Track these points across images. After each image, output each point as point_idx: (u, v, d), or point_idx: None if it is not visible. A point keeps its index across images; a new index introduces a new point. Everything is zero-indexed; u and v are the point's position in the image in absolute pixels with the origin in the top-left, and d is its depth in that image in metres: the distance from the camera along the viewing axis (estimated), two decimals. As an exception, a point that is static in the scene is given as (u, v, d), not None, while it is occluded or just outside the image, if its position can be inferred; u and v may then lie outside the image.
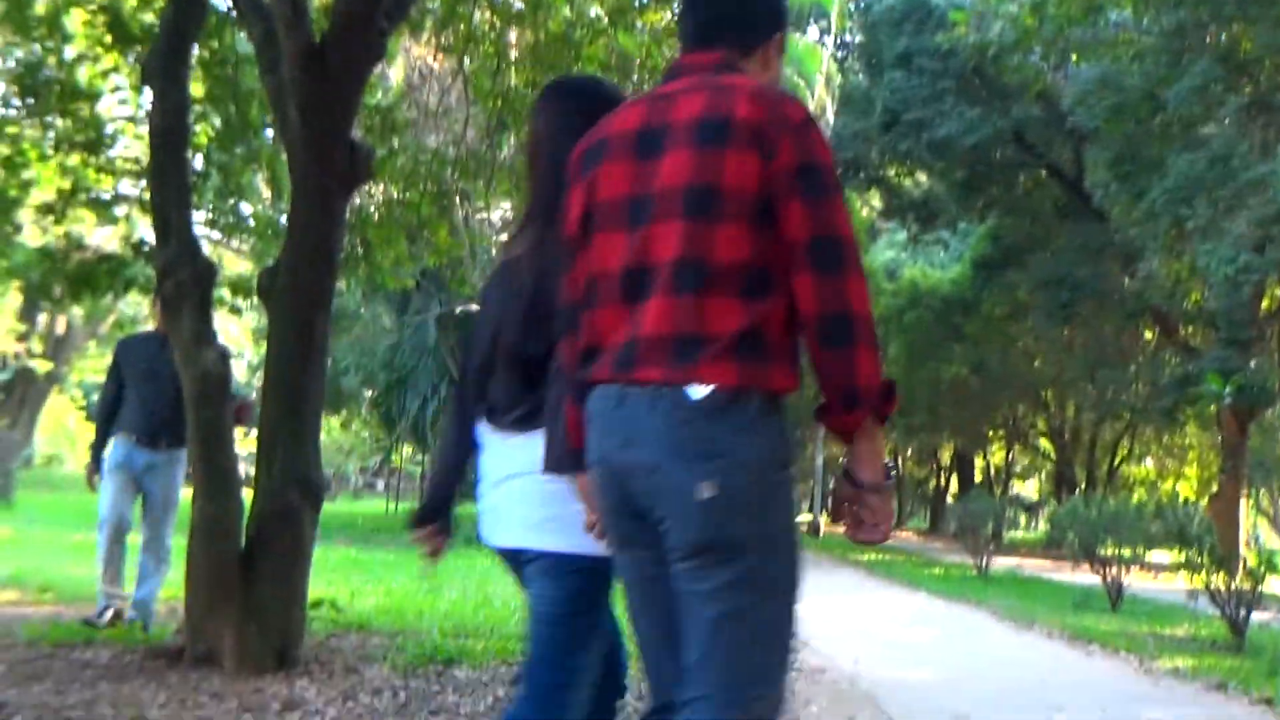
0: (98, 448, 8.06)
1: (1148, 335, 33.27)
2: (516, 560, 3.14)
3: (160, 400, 7.64)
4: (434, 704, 5.90)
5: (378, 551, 17.45)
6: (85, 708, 5.49)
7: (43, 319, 38.33)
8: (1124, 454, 43.21)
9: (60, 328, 39.50)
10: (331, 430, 51.97)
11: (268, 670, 6.46)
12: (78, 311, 35.21)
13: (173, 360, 6.98)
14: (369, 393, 31.18)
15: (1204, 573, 10.98)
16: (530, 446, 3.00)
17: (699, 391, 2.45)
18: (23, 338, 35.93)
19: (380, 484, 59.00)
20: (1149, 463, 47.98)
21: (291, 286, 6.84)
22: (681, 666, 2.51)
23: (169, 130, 6.78)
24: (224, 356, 6.71)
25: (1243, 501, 24.73)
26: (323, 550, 16.23)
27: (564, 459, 2.87)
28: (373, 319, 31.61)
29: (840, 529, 2.67)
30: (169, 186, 6.76)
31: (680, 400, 2.46)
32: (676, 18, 3.36)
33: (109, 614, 7.67)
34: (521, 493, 3.06)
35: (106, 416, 8.02)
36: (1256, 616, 11.01)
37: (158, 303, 7.51)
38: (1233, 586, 10.84)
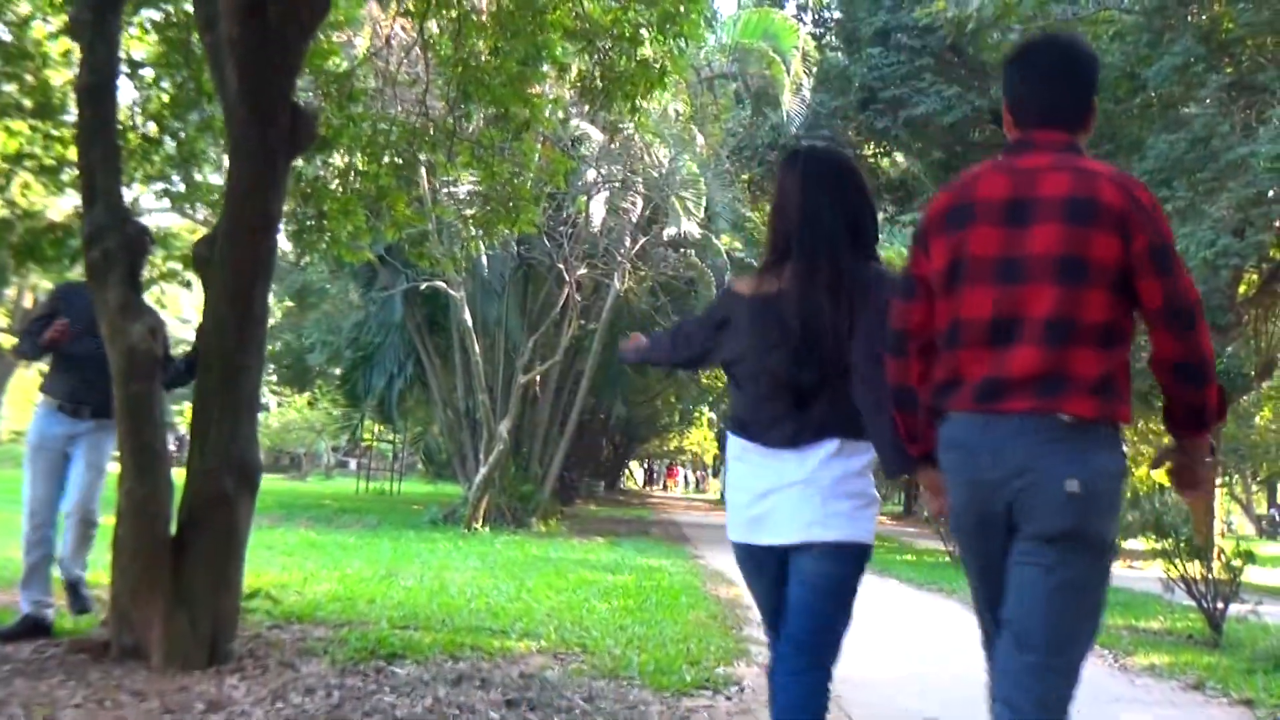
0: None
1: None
2: (777, 554, 3.81)
3: (91, 364, 6.79)
4: (369, 705, 5.53)
5: (339, 534, 17.09)
6: (-6, 707, 5.11)
7: (9, 293, 37.89)
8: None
9: (27, 301, 39.06)
10: (299, 409, 51.70)
11: (197, 665, 6.10)
12: (45, 284, 34.81)
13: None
14: (337, 371, 30.81)
15: (1180, 564, 10.66)
16: (803, 460, 3.75)
17: (1065, 417, 3.14)
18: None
19: (353, 463, 58.78)
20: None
21: (230, 256, 6.46)
22: (1009, 615, 3.22)
23: (96, 88, 6.38)
24: (153, 330, 6.29)
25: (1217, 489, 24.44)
26: (282, 533, 16.08)
27: (900, 462, 3.64)
28: (339, 295, 31.25)
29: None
30: (96, 148, 6.36)
31: (1048, 423, 3.15)
32: (1014, 92, 3.53)
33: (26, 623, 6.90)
34: (801, 498, 3.73)
35: (32, 344, 6.99)
36: (1234, 609, 10.70)
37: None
38: (1209, 579, 10.53)
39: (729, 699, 6.47)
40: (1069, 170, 3.23)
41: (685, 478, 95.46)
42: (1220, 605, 10.51)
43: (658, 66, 9.36)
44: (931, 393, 3.41)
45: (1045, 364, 3.14)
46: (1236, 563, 10.36)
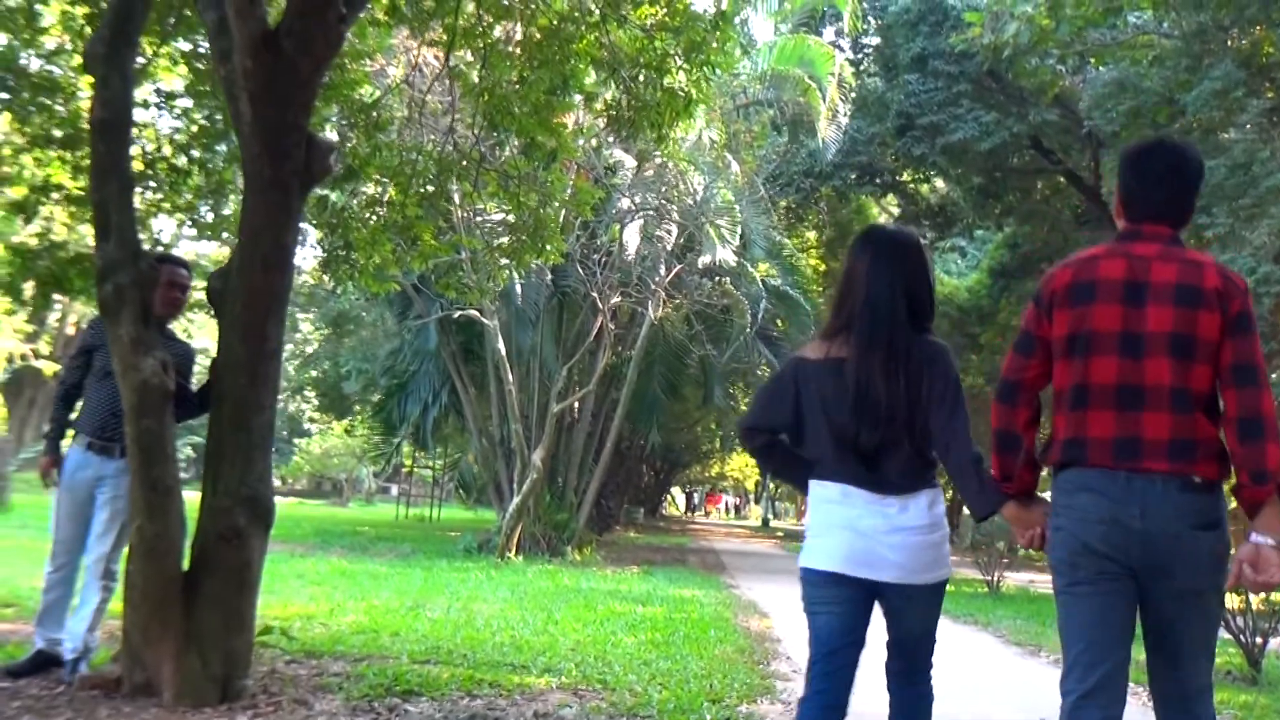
0: (54, 438, 7.05)
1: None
2: (868, 587, 4.14)
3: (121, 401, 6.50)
4: (378, 745, 5.45)
5: (372, 563, 17.02)
6: (4, 744, 5.06)
7: (52, 320, 38.17)
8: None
9: (70, 328, 39.35)
10: (339, 436, 51.83)
11: (209, 703, 6.06)
12: (88, 312, 35.04)
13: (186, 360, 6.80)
14: (375, 397, 30.85)
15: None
16: (910, 505, 4.15)
17: (1199, 478, 3.65)
18: (31, 339, 35.70)
19: (394, 489, 58.85)
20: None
21: (244, 289, 6.44)
22: (1153, 658, 3.76)
23: (110, 123, 6.34)
24: (165, 365, 6.24)
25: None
26: (314, 562, 16.03)
27: (991, 504, 4.11)
28: (374, 323, 31.30)
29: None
30: (110, 183, 6.32)
31: (1186, 484, 3.64)
32: (1128, 187, 4.05)
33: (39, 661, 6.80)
34: (908, 544, 4.12)
35: (67, 402, 7.06)
36: (1274, 644, 10.49)
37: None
38: (1249, 613, 10.33)
39: (748, 739, 6.36)
40: (1176, 261, 3.79)
41: (726, 504, 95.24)
42: (1260, 640, 10.31)
43: (684, 96, 9.28)
44: (1058, 447, 3.90)
45: (1175, 428, 3.68)
46: (1276, 596, 10.17)
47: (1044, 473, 4.15)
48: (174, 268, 7.01)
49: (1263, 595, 10.25)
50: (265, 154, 6.43)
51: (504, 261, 11.16)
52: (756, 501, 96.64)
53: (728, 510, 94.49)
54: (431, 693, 6.82)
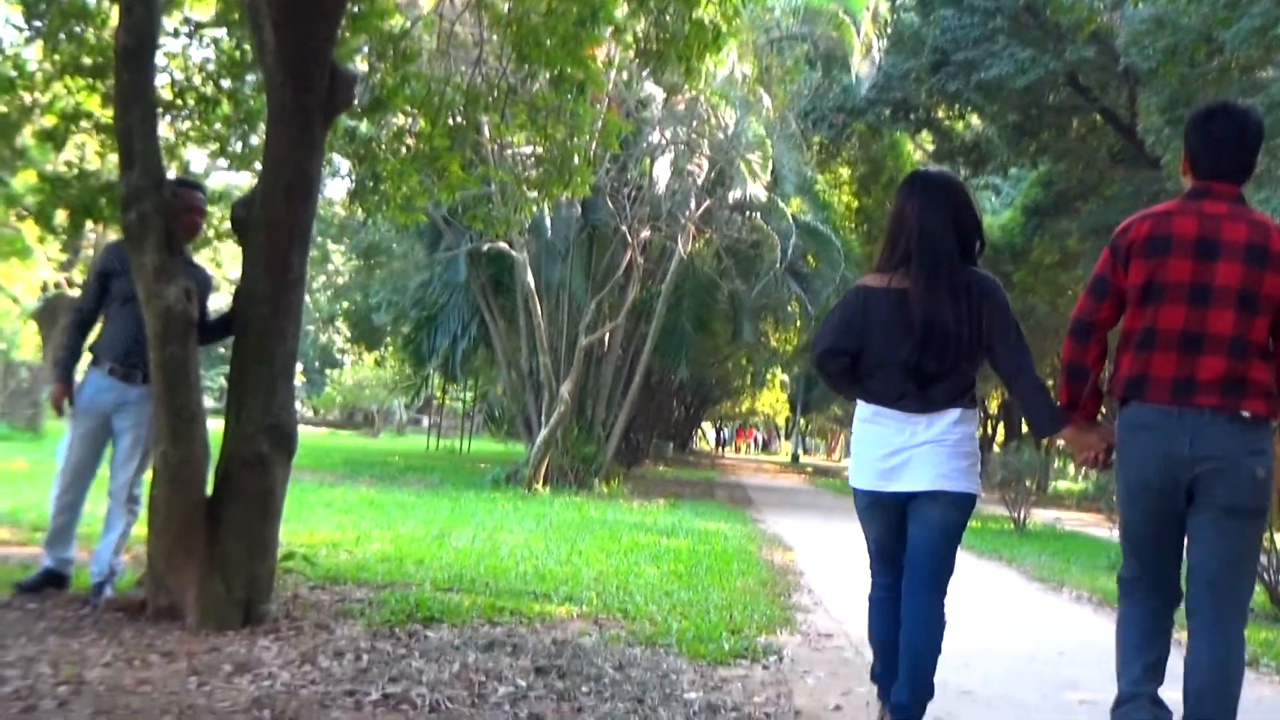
0: (67, 364, 7.04)
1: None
2: (901, 501, 4.72)
3: (145, 327, 6.45)
4: (395, 669, 5.51)
5: (400, 493, 17.15)
6: (23, 665, 5.16)
7: (86, 250, 38.35)
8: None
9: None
10: (370, 367, 52.05)
11: (232, 627, 6.15)
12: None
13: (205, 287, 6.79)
14: (405, 329, 30.94)
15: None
16: (931, 423, 4.65)
17: (1247, 413, 4.20)
18: (65, 267, 35.89)
19: (425, 420, 59.12)
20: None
21: (267, 219, 6.46)
22: (1194, 570, 4.32)
23: (134, 50, 6.33)
24: (189, 292, 6.28)
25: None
26: (343, 491, 16.16)
27: (1054, 425, 4.72)
28: (404, 255, 31.29)
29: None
30: (134, 111, 6.33)
31: (1235, 417, 4.20)
32: (1196, 142, 4.52)
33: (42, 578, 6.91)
34: (931, 455, 4.62)
35: (82, 329, 7.06)
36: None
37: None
38: (1273, 551, 10.32)
39: (766, 668, 6.42)
40: (1244, 220, 4.30)
41: (756, 439, 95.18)
42: (1285, 579, 10.32)
43: (713, 29, 9.23)
44: (1122, 383, 4.44)
45: (1229, 371, 4.23)
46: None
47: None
48: (190, 191, 7.02)
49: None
50: (288, 83, 6.44)
51: (531, 194, 11.15)
52: (786, 437, 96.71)
53: (756, 445, 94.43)
54: (452, 620, 6.89)
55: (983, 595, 10.48)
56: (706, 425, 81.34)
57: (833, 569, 11.63)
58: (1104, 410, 4.86)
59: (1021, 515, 20.03)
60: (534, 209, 11.50)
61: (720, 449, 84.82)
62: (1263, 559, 10.25)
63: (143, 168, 6.25)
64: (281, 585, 7.15)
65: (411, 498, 16.30)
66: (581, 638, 6.70)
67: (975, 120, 33.42)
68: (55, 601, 6.61)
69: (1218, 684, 4.30)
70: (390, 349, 41.89)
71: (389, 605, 7.11)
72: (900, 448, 4.68)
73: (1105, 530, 17.92)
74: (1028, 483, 20.96)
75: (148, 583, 6.44)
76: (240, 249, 6.75)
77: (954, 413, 4.68)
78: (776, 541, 14.30)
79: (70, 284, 35.12)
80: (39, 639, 5.70)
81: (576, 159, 10.16)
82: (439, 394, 38.62)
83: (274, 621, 6.41)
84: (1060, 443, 5.24)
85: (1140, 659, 4.50)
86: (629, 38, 10.26)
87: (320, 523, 11.77)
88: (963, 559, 4.81)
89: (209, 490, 6.37)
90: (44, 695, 4.70)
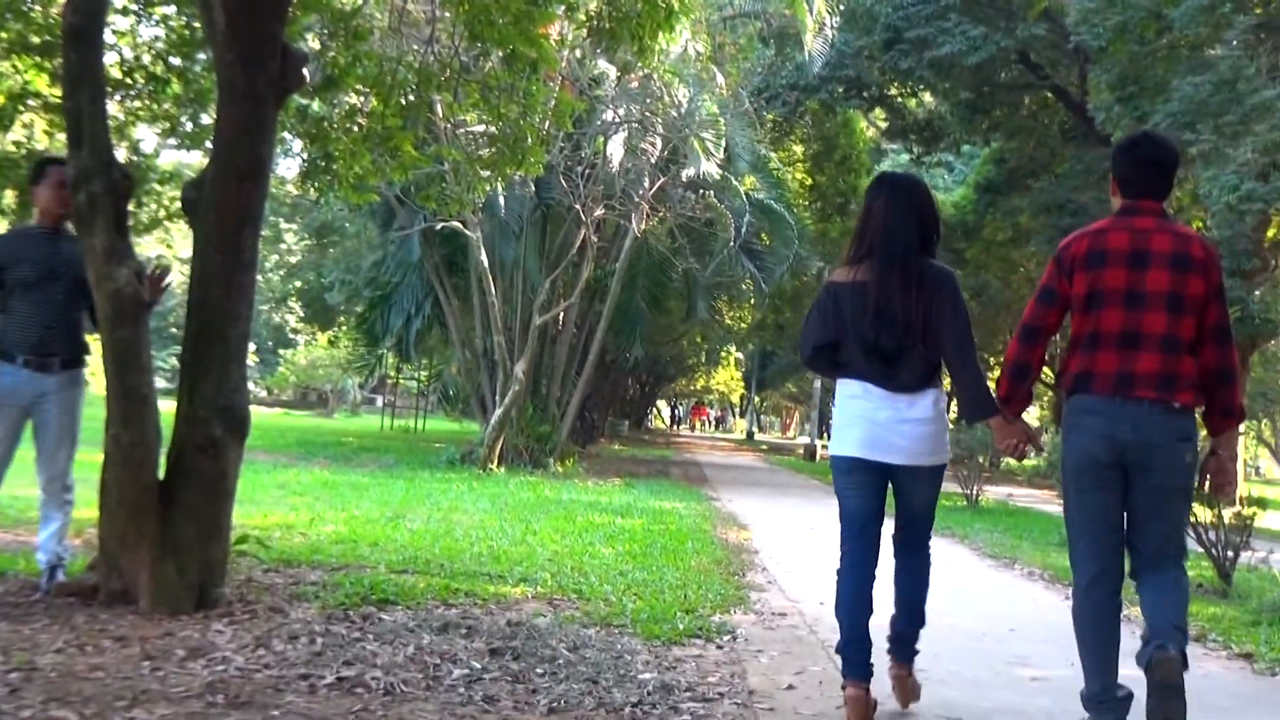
0: None
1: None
2: (887, 473, 5.17)
3: (54, 312, 6.46)
4: (350, 653, 5.50)
5: (354, 474, 17.08)
6: (-28, 652, 5.11)
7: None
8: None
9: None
10: (323, 347, 51.83)
11: (185, 610, 6.12)
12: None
13: (70, 262, 6.44)
14: (359, 309, 30.78)
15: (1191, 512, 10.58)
16: (914, 402, 5.12)
17: (1178, 404, 4.75)
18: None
19: (379, 400, 58.95)
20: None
21: (218, 200, 6.42)
22: (1126, 543, 4.88)
23: (82, 30, 6.27)
24: (139, 273, 6.24)
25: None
26: (297, 473, 16.08)
27: (983, 414, 5.26)
28: (357, 234, 31.12)
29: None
30: (83, 90, 6.27)
31: (1169, 408, 4.74)
32: (1122, 166, 5.10)
33: None
34: (921, 433, 5.12)
35: None
36: (1246, 557, 10.60)
37: (38, 193, 6.62)
38: (1220, 527, 10.43)
39: (720, 648, 6.45)
40: (1168, 232, 4.88)
41: (711, 417, 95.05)
42: (1230, 554, 10.42)
43: (665, 7, 9.21)
44: (1072, 378, 4.97)
45: (1162, 366, 4.78)
46: (1247, 511, 10.28)
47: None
48: (62, 168, 6.58)
49: (1234, 509, 10.37)
50: (239, 63, 6.39)
51: (485, 173, 11.09)
52: (741, 415, 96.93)
53: (709, 423, 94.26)
54: (407, 602, 6.88)
55: (935, 573, 10.53)
56: (661, 404, 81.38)
57: (787, 547, 11.69)
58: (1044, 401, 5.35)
59: (974, 492, 20.15)
60: (487, 188, 11.42)
61: (675, 427, 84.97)
62: (1211, 535, 10.40)
63: (91, 148, 6.20)
64: (235, 568, 7.12)
65: (366, 479, 16.24)
66: (536, 619, 6.70)
67: (928, 98, 33.49)
68: (6, 587, 6.56)
69: (1172, 619, 4.78)
70: (343, 328, 41.68)
71: (343, 588, 7.09)
72: (886, 421, 5.11)
73: (1056, 506, 18.04)
74: (980, 459, 21.06)
75: (100, 566, 6.39)
76: (191, 230, 6.69)
77: (932, 393, 5.17)
78: (731, 520, 14.34)
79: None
80: (-12, 624, 5.67)
81: (530, 138, 10.11)
82: (393, 374, 38.47)
83: (228, 605, 6.38)
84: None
85: (1109, 665, 4.90)
86: (581, 15, 10.21)
87: (274, 505, 11.72)
88: (937, 501, 5.34)
89: (161, 473, 6.33)
90: (-4, 682, 4.67)
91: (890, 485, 5.25)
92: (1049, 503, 21.23)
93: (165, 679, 4.91)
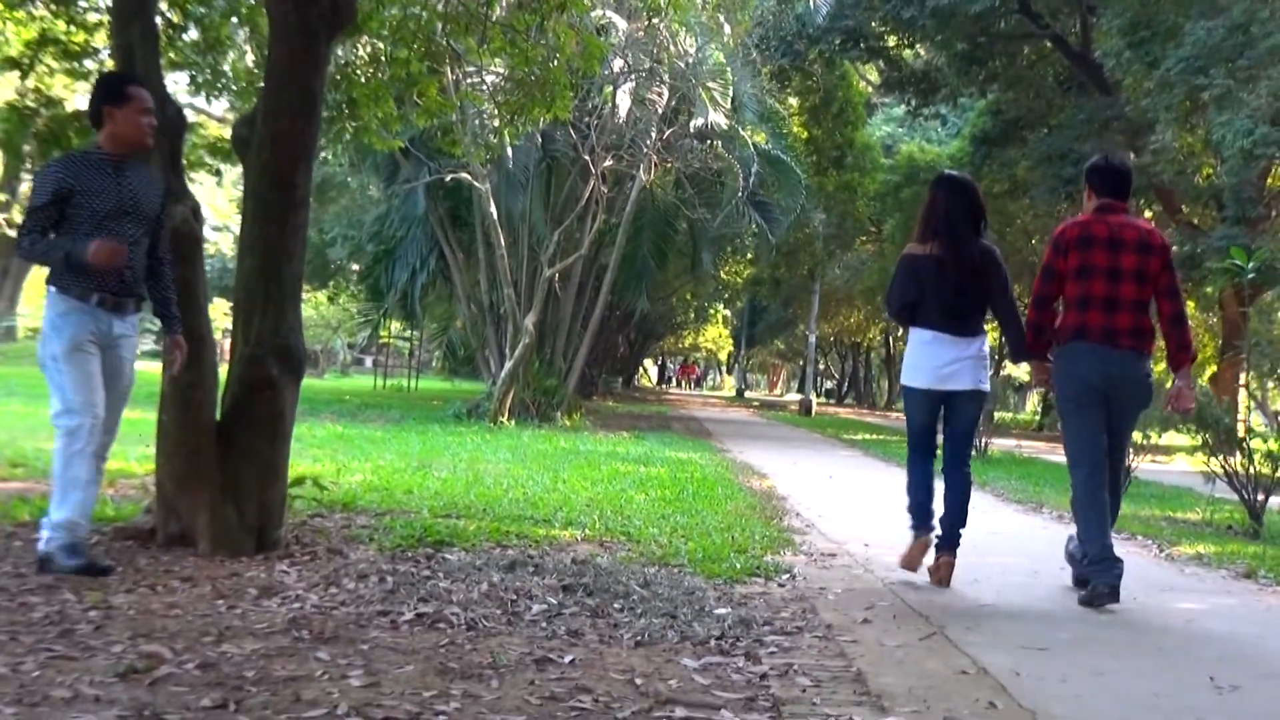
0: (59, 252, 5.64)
1: (1148, 214, 32.68)
2: (948, 397, 6.86)
3: (138, 248, 5.75)
4: (424, 590, 5.46)
5: (365, 428, 16.98)
6: (45, 592, 5.06)
7: (25, 188, 37.66)
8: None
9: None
10: (319, 305, 51.57)
11: (245, 552, 6.08)
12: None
13: (141, 195, 5.77)
14: (356, 266, 30.55)
15: (1222, 456, 10.59)
16: (970, 345, 6.82)
17: (1145, 352, 6.54)
18: (3, 207, 35.24)
19: (368, 360, 58.72)
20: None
21: (270, 137, 6.31)
22: (1107, 446, 6.63)
23: (132, -37, 6.17)
24: (195, 211, 6.15)
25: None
26: (308, 427, 15.96)
27: (1025, 356, 7.07)
28: (360, 188, 30.87)
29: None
30: (134, 26, 6.19)
31: (1141, 354, 6.53)
32: (1097, 179, 6.85)
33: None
34: (970, 365, 6.82)
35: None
36: (1274, 500, 10.62)
37: (117, 116, 5.70)
38: (1251, 471, 10.46)
39: (781, 586, 6.43)
40: (1134, 225, 6.74)
41: (702, 376, 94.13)
42: (1262, 497, 10.44)
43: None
44: (1070, 329, 6.64)
45: (1135, 322, 6.55)
46: (1277, 447, 10.32)
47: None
48: (145, 91, 5.92)
49: (1266, 452, 10.39)
50: (291, -1, 6.28)
51: (509, 118, 10.96)
52: (728, 372, 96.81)
53: (689, 381, 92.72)
54: (462, 543, 6.85)
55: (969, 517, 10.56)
56: (648, 362, 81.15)
57: (812, 494, 11.68)
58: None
59: (983, 443, 20.16)
60: (517, 132, 11.28)
61: (664, 385, 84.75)
62: (1240, 478, 10.46)
63: (145, 86, 6.08)
64: (289, 512, 7.05)
65: (379, 432, 16.14)
66: (596, 558, 6.67)
67: (924, 50, 33.28)
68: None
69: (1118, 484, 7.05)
70: (341, 286, 41.47)
71: (395, 531, 7.06)
72: (952, 360, 6.81)
73: (1061, 456, 18.09)
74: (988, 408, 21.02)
75: (157, 510, 6.35)
76: (242, 170, 6.59)
77: (981, 338, 6.95)
78: (750, 469, 14.32)
79: (9, 224, 34.49)
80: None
81: (560, 81, 9.99)
82: (385, 333, 38.29)
83: (286, 547, 6.34)
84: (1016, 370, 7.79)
85: (1106, 529, 6.63)
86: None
87: (296, 457, 11.54)
88: (978, 424, 7.54)
89: (218, 414, 6.26)
90: (77, 620, 4.60)
91: (945, 408, 6.96)
92: (1053, 454, 21.20)
93: (245, 616, 4.87)
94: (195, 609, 4.93)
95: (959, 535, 6.85)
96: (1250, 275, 12.87)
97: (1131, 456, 13.62)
